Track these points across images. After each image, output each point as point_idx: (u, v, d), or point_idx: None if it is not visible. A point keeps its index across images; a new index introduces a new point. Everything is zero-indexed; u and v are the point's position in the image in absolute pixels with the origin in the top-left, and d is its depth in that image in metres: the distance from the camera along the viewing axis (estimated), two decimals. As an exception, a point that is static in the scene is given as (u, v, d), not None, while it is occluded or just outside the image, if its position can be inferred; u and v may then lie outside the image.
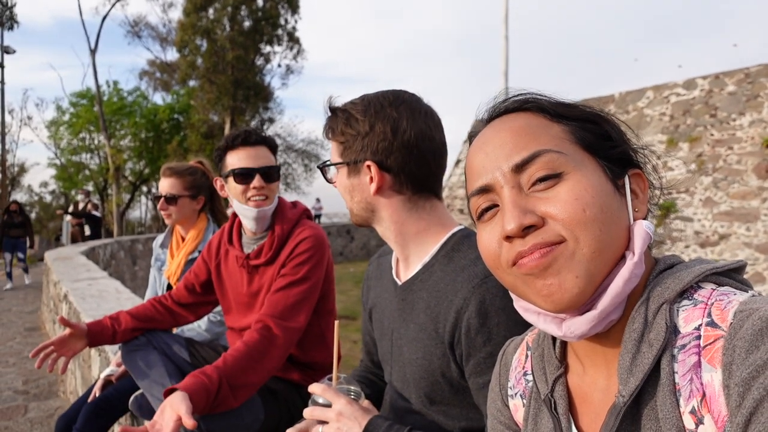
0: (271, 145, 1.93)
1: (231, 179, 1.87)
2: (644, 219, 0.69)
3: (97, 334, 1.92)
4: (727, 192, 10.07)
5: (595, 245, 0.62)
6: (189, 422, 1.33)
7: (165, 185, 2.50)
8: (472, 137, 0.77)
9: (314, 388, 1.14)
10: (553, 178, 0.65)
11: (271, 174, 1.88)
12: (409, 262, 1.21)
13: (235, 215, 2.02)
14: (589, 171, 0.66)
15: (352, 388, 1.16)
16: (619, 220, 0.65)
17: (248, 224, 1.92)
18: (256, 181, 1.84)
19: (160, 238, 2.74)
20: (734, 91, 10.43)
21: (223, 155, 1.90)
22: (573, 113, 0.71)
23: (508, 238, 0.65)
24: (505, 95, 0.75)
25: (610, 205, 0.65)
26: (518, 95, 0.74)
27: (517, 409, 0.83)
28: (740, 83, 10.40)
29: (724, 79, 10.64)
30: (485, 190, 0.69)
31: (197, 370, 1.54)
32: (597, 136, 0.70)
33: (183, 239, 2.58)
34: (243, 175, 1.85)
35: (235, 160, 1.87)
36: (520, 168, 0.66)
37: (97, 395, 2.24)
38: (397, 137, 1.13)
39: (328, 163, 1.23)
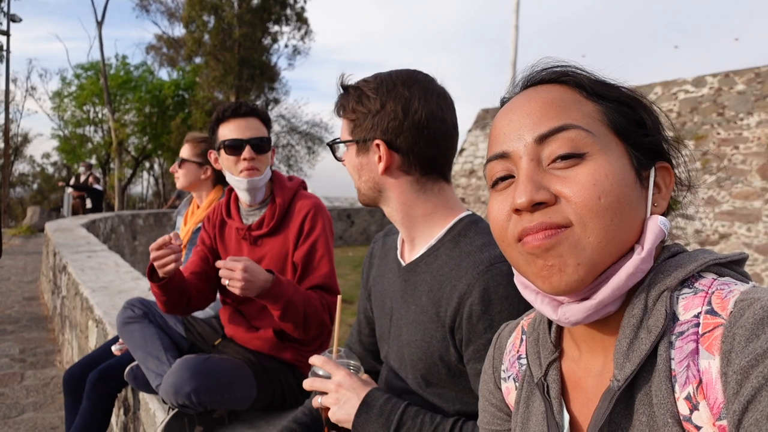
0: (263, 116, 1.94)
1: (222, 151, 1.89)
2: (663, 215, 0.68)
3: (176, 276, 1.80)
4: (729, 191, 10.05)
5: (603, 235, 0.61)
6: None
7: (182, 150, 2.64)
8: (503, 102, 0.75)
9: (315, 360, 1.15)
10: (575, 157, 0.63)
11: (261, 145, 1.89)
12: (414, 244, 1.20)
13: (231, 189, 2.03)
14: (614, 156, 0.64)
15: (352, 362, 1.18)
16: (635, 212, 0.64)
17: (242, 196, 1.93)
18: (247, 152, 1.85)
19: (183, 208, 2.82)
20: (743, 90, 10.36)
21: (216, 128, 1.92)
22: (610, 93, 0.68)
23: (517, 211, 0.64)
24: (543, 65, 0.72)
25: (628, 196, 0.63)
26: (557, 66, 0.71)
27: (510, 391, 0.83)
28: (750, 83, 10.32)
29: (733, 78, 10.57)
30: (503, 156, 0.68)
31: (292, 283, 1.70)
32: (630, 121, 0.67)
33: (198, 208, 2.65)
34: (233, 147, 1.86)
35: (226, 131, 1.88)
36: (543, 139, 0.65)
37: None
38: (407, 117, 1.12)
39: (337, 140, 1.22)
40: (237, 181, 1.89)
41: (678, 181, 0.71)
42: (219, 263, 1.58)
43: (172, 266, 1.68)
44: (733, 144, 10.23)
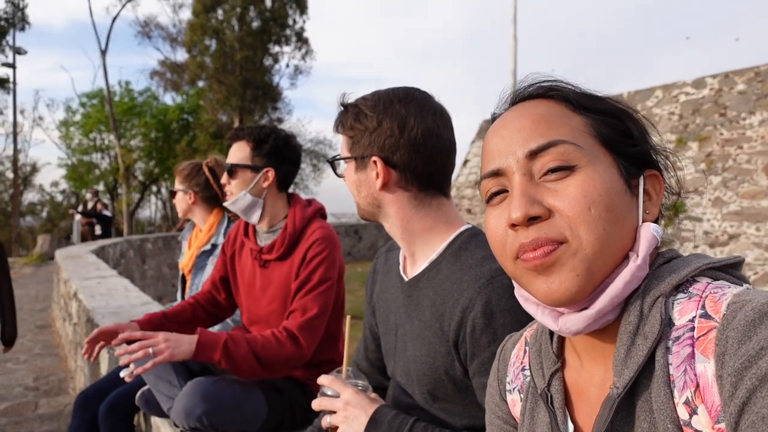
0: (249, 137, 1.93)
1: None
2: (655, 222, 0.68)
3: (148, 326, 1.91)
4: (736, 192, 9.98)
5: (598, 245, 0.62)
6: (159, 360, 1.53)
7: None
8: (494, 119, 0.77)
9: (323, 380, 1.16)
10: (565, 169, 0.65)
11: (231, 170, 1.92)
12: (415, 259, 1.21)
13: None
14: (602, 167, 0.65)
15: (360, 381, 1.18)
16: (626, 220, 0.65)
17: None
18: (223, 177, 1.94)
19: (186, 233, 2.87)
20: (744, 90, 10.34)
21: None
22: (596, 106, 0.70)
23: (514, 225, 0.65)
24: (531, 80, 0.74)
25: (618, 205, 0.64)
26: (543, 81, 0.73)
27: (515, 403, 0.83)
28: (750, 82, 10.30)
29: (733, 78, 10.55)
30: (497, 173, 0.69)
31: (228, 333, 1.68)
32: (617, 132, 0.69)
33: (201, 232, 2.69)
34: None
35: None
36: (534, 155, 0.66)
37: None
38: (403, 134, 1.14)
39: (337, 157, 1.24)
40: None
41: (668, 188, 0.72)
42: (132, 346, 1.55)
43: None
44: (736, 144, 10.18)
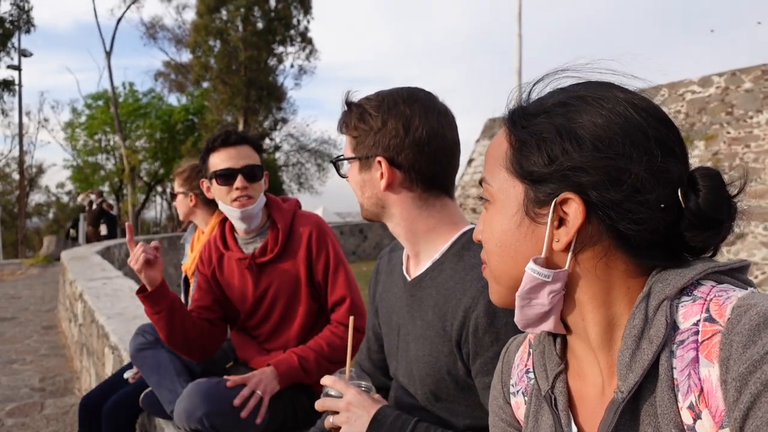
0: (254, 143, 1.92)
1: (214, 181, 1.87)
2: (568, 247, 0.65)
3: (162, 289, 1.75)
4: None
5: (495, 272, 0.73)
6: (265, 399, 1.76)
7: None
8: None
9: (326, 380, 1.17)
10: (487, 202, 0.74)
11: (253, 173, 1.86)
12: (419, 259, 1.21)
13: (223, 221, 2.02)
14: (506, 204, 0.70)
15: (363, 382, 1.19)
16: (519, 253, 0.69)
17: (237, 225, 1.92)
18: (239, 181, 1.83)
19: (189, 235, 2.87)
20: (751, 88, 10.28)
21: (206, 157, 1.90)
22: (533, 127, 0.67)
23: None
24: (519, 97, 0.74)
25: (507, 241, 0.70)
26: (508, 111, 0.73)
27: (519, 406, 0.83)
28: (757, 80, 10.25)
29: (740, 76, 10.50)
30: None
31: (294, 353, 1.83)
32: (536, 160, 0.66)
33: (203, 233, 2.68)
34: (225, 176, 1.84)
35: (217, 161, 1.86)
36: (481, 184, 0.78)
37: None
38: (408, 134, 1.14)
39: (341, 157, 1.24)
40: (230, 210, 1.87)
41: (594, 206, 0.63)
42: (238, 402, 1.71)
43: (144, 259, 1.66)
44: (743, 143, 10.13)
